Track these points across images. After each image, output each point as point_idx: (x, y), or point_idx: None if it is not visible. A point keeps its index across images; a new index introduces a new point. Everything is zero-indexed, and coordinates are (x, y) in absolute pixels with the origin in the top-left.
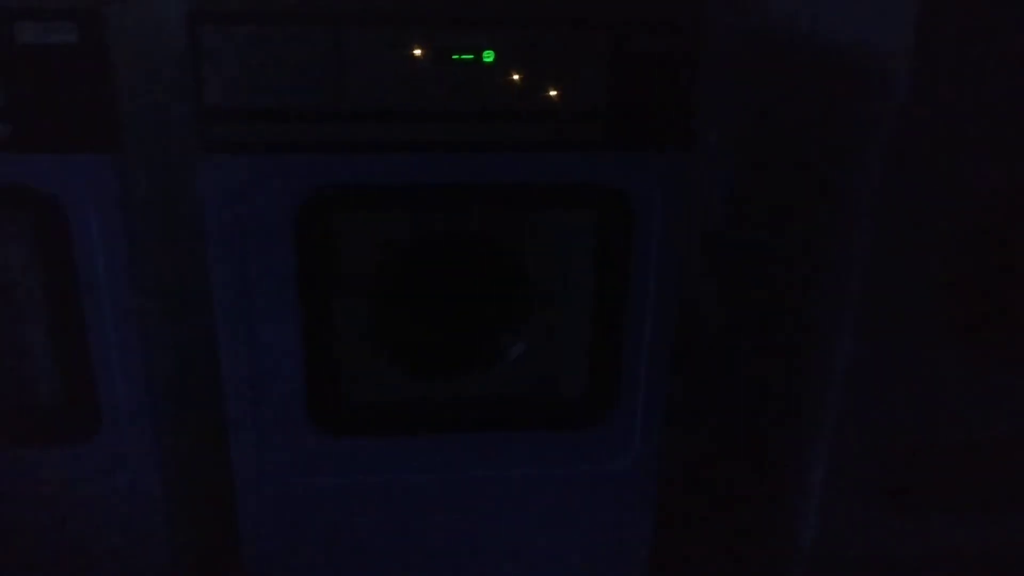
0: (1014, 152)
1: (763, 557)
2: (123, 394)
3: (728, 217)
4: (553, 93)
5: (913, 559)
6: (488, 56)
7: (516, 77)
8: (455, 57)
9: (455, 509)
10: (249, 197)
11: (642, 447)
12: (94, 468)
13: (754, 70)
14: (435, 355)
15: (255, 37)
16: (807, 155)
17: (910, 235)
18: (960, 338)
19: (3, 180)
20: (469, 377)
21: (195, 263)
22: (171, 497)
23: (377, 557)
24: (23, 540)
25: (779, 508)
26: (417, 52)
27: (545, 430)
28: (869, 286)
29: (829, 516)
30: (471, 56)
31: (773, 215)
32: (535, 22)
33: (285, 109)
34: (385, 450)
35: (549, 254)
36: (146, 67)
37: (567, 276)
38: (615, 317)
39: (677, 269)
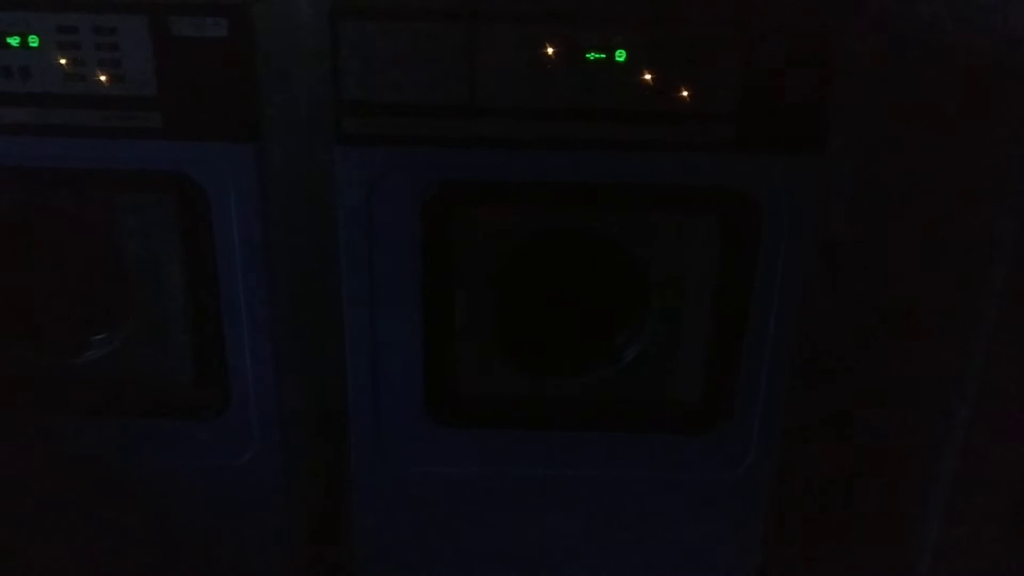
0: None
1: None
2: (251, 375)
3: (849, 224)
4: (684, 93)
5: None
6: (620, 55)
7: (648, 77)
8: (588, 56)
9: (564, 506)
10: (379, 189)
11: (758, 457)
12: (219, 445)
13: (886, 72)
14: (552, 353)
15: (392, 32)
16: (946, 161)
17: None
18: None
19: (153, 165)
20: (585, 376)
21: (324, 251)
22: (289, 479)
23: (485, 549)
24: (148, 507)
25: (897, 531)
26: (550, 50)
27: (659, 434)
28: (1009, 301)
29: (948, 544)
30: (603, 55)
31: (903, 222)
32: (669, 21)
33: (418, 103)
34: (498, 444)
35: (672, 256)
36: (284, 61)
37: (689, 279)
38: (736, 323)
39: (802, 277)
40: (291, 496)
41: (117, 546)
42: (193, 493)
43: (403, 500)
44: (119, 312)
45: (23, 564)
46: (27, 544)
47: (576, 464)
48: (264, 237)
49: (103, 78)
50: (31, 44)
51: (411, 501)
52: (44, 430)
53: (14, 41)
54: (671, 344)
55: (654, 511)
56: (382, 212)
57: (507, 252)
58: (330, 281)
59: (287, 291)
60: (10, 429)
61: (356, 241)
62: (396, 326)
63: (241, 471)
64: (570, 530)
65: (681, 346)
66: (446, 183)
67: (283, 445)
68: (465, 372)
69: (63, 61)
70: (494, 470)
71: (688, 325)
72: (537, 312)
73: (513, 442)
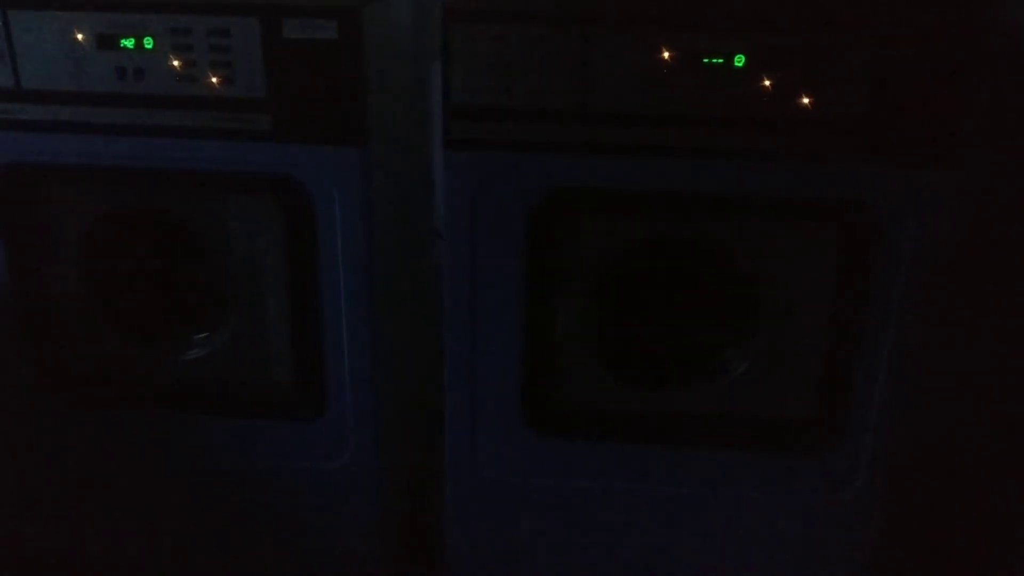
0: None
1: None
2: (349, 379)
3: (971, 239)
4: (805, 100)
5: None
6: (739, 60)
7: (767, 83)
8: (705, 61)
9: (662, 523)
10: (486, 195)
11: (869, 478)
12: (315, 447)
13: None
14: (656, 365)
15: (505, 36)
16: None
17: None
18: None
19: (260, 167)
20: (690, 390)
21: (427, 257)
22: (383, 483)
23: (577, 563)
24: (241, 507)
25: (1006, 558)
26: (665, 54)
27: (764, 451)
28: None
29: None
30: (721, 60)
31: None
32: (791, 26)
33: (528, 109)
34: (595, 457)
35: (785, 268)
36: (391, 65)
37: (802, 292)
38: (852, 338)
39: (922, 292)
40: (384, 500)
41: (210, 545)
42: (287, 495)
43: (496, 509)
44: (222, 312)
45: (120, 559)
46: (123, 540)
47: (677, 480)
48: (367, 240)
49: (214, 80)
50: (146, 46)
51: (504, 510)
52: (143, 427)
53: (129, 43)
54: (781, 358)
55: (757, 532)
56: (487, 218)
57: (613, 261)
58: (430, 286)
59: (387, 295)
60: (111, 426)
61: (460, 246)
62: (497, 333)
63: (335, 474)
64: (667, 549)
65: (792, 361)
66: (554, 190)
67: (378, 450)
68: (565, 382)
69: (176, 63)
70: (590, 483)
71: (800, 339)
72: (641, 323)
73: (610, 455)
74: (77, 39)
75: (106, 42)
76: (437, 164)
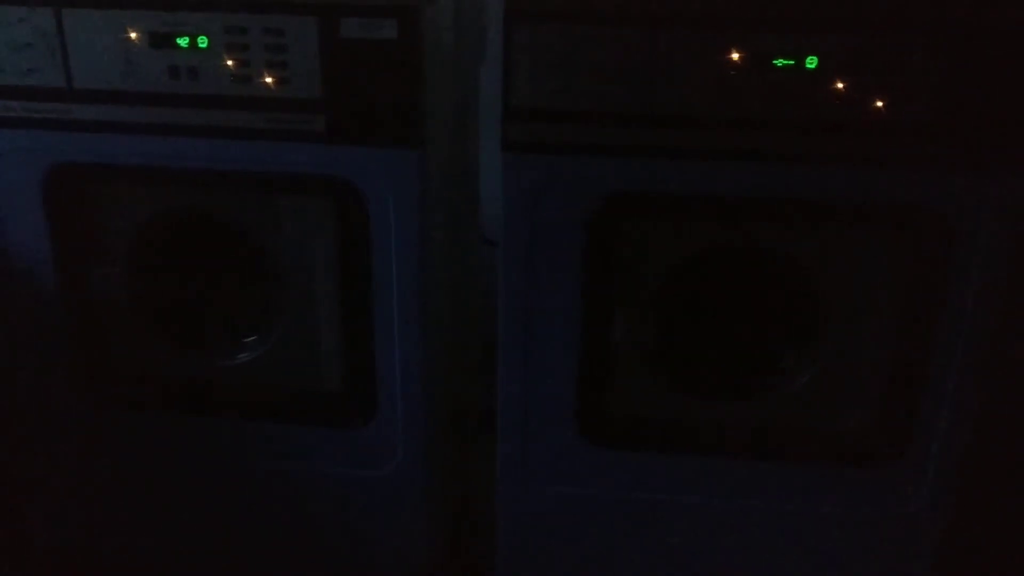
0: None
1: None
2: (399, 387)
3: None
4: (879, 104)
5: None
6: (811, 62)
7: (840, 85)
8: (775, 62)
9: (719, 537)
10: (544, 199)
11: (932, 495)
12: (363, 454)
13: None
14: (715, 376)
15: (567, 36)
16: None
17: None
18: None
19: (314, 169)
20: (749, 401)
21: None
22: (431, 492)
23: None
24: (288, 514)
25: None
26: (735, 55)
27: (825, 465)
28: None
29: None
30: (792, 61)
31: None
32: (865, 26)
33: (590, 111)
34: (652, 468)
35: (850, 275)
36: (442, 67)
37: (867, 300)
38: (921, 347)
39: (995, 299)
40: (431, 511)
41: (255, 552)
42: (334, 502)
43: (548, 520)
44: (272, 316)
45: (162, 565)
46: (167, 546)
47: (735, 493)
48: (420, 244)
49: (269, 80)
50: (200, 45)
51: (556, 521)
52: (189, 433)
53: (183, 42)
54: (844, 368)
55: (817, 547)
56: (545, 222)
57: (675, 268)
58: (480, 292)
59: (438, 301)
60: (160, 430)
61: (516, 250)
62: (552, 340)
63: (383, 482)
64: (720, 565)
65: (855, 370)
66: (616, 195)
67: (426, 458)
68: (621, 392)
69: (230, 62)
70: (644, 495)
71: (864, 348)
72: (702, 332)
73: (665, 467)
74: (130, 38)
75: (159, 41)
76: (484, 169)
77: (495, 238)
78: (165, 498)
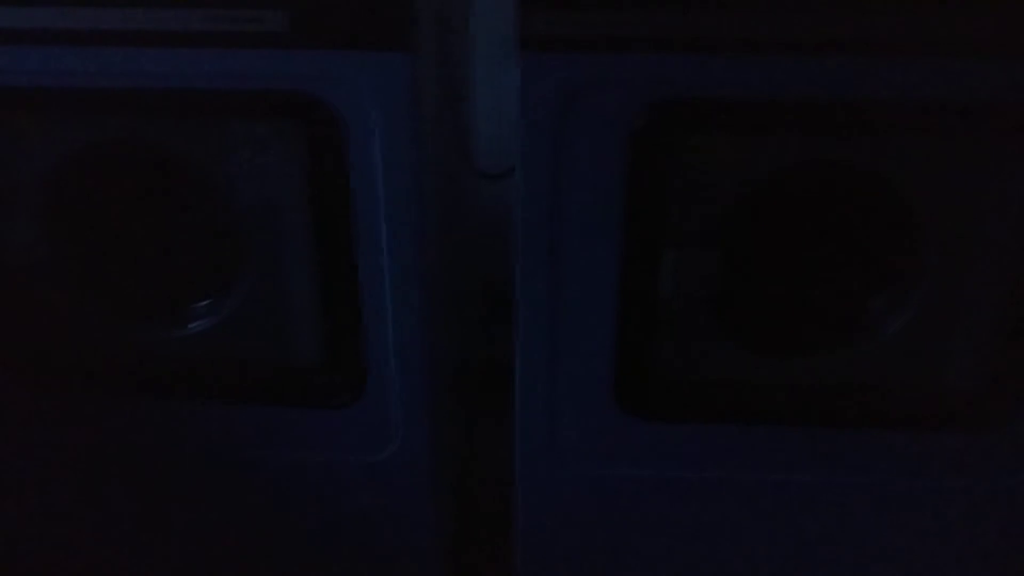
0: None
1: None
2: (393, 355)
3: None
4: None
5: None
6: None
7: None
8: None
9: (788, 517)
10: (573, 110)
11: None
12: (354, 437)
13: None
14: (789, 328)
15: None
16: None
17: None
18: None
19: (272, 83)
20: (829, 357)
21: (493, 199)
22: (439, 477)
23: (676, 567)
24: (271, 507)
25: None
26: None
27: (921, 430)
28: None
29: None
30: None
31: None
32: None
33: None
34: (707, 441)
35: (956, 204)
36: None
37: (975, 234)
38: None
39: None
40: (439, 499)
41: (232, 550)
42: (323, 492)
43: (579, 506)
44: (228, 275)
45: (134, 560)
46: (135, 542)
47: (810, 466)
48: (415, 177)
49: None
50: None
51: (589, 508)
52: (136, 418)
53: None
54: (945, 316)
55: (908, 525)
56: (574, 141)
57: (737, 197)
58: (495, 232)
59: (440, 247)
60: (103, 414)
61: (538, 177)
62: (583, 291)
63: (380, 467)
64: (798, 548)
65: (958, 319)
66: (663, 102)
67: (431, 439)
68: (669, 351)
69: None
70: (699, 474)
71: (970, 292)
72: (772, 276)
73: (727, 439)
74: None
75: None
76: (478, 83)
77: (490, 170)
78: (125, 492)
